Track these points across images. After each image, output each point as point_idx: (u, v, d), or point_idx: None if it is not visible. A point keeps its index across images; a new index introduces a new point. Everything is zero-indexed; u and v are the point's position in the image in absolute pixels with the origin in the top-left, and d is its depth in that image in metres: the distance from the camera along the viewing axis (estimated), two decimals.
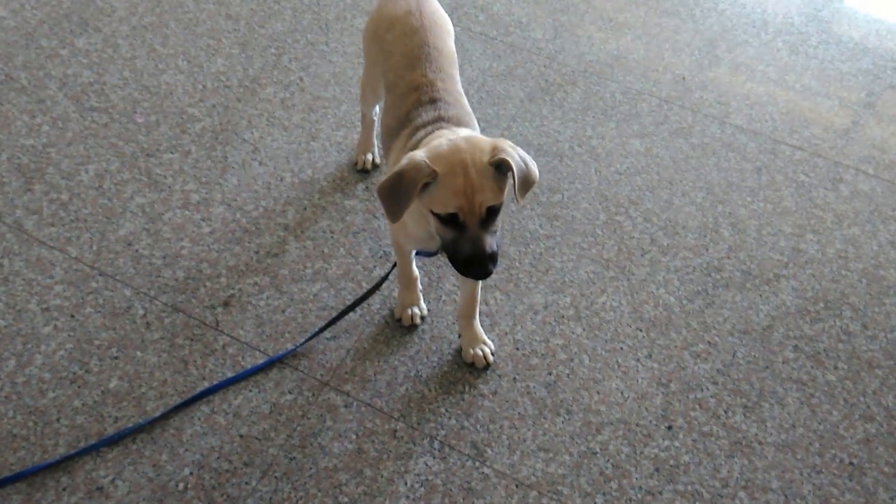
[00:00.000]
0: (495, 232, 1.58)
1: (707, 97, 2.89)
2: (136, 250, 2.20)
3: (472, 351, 2.02)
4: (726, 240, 2.38)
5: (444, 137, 1.59)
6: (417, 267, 2.08)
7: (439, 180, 1.51)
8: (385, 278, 2.07)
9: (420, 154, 1.54)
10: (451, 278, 2.20)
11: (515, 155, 1.54)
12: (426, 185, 1.54)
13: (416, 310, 2.08)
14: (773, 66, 3.07)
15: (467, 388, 1.97)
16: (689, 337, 2.13)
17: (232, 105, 2.65)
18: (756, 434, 1.94)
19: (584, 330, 2.12)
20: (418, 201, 1.60)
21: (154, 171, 2.42)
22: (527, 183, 1.56)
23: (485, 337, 2.04)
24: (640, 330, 2.13)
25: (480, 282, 1.96)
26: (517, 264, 2.25)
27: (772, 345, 2.13)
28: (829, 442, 1.95)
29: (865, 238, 2.44)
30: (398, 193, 1.53)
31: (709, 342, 2.12)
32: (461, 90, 1.90)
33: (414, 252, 1.99)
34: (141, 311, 2.06)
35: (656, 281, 2.25)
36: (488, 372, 2.01)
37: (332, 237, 2.28)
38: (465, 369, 2.01)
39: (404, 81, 1.84)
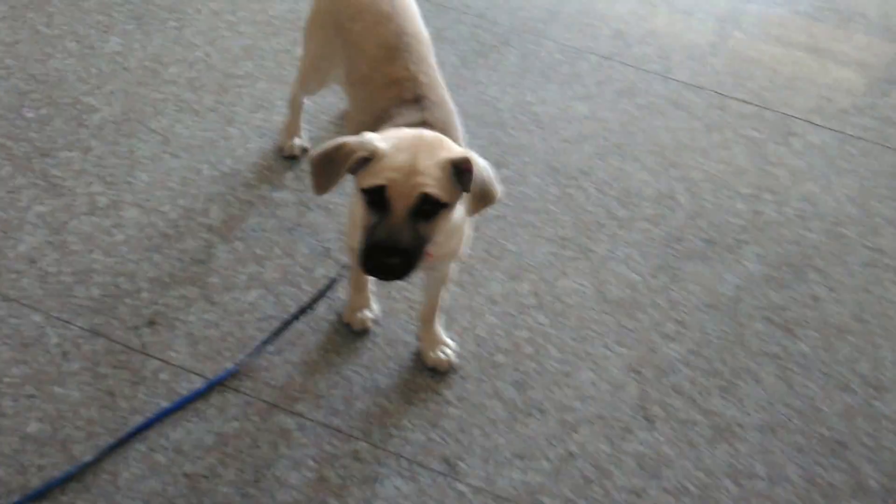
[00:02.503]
0: (423, 242, 1.37)
1: (648, 52, 2.74)
2: (41, 268, 1.90)
3: (432, 354, 1.85)
4: (683, 206, 2.27)
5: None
6: None
7: (380, 155, 1.34)
8: (333, 281, 1.86)
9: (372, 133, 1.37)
10: None
11: (480, 162, 1.36)
12: (365, 162, 1.35)
13: (367, 313, 1.89)
14: (710, 13, 2.95)
15: (431, 396, 1.80)
16: (657, 316, 2.02)
17: (133, 90, 2.33)
18: (735, 416, 1.85)
19: (548, 319, 1.98)
20: (355, 185, 1.41)
21: (51, 173, 2.10)
22: (484, 196, 1.37)
23: (445, 338, 1.87)
24: (607, 313, 2.01)
25: (444, 284, 1.78)
26: (470, 252, 2.07)
27: (741, 317, 2.05)
28: (809, 418, 1.88)
29: (822, 194, 2.38)
30: (331, 162, 1.35)
31: (677, 321, 2.02)
32: (441, 79, 1.70)
33: None
34: (55, 339, 1.79)
35: (617, 257, 2.13)
36: (451, 375, 1.84)
37: (264, 235, 2.04)
38: (427, 374, 1.84)
39: (381, 74, 1.63)
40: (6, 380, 1.71)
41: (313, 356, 1.83)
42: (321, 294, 1.85)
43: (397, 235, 1.32)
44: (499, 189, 1.41)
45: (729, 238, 2.22)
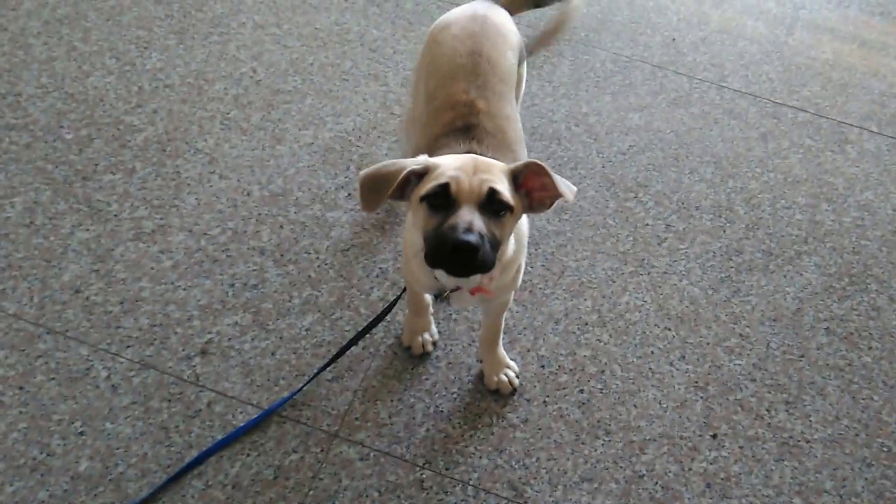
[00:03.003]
0: (495, 240, 1.29)
1: (700, 60, 2.69)
2: (87, 297, 1.87)
3: (495, 377, 1.81)
4: (742, 218, 2.22)
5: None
6: None
7: (433, 167, 1.29)
8: (393, 305, 1.82)
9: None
10: None
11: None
12: (419, 180, 1.31)
13: (427, 336, 1.85)
14: (762, 19, 2.89)
15: (495, 420, 1.76)
16: (719, 331, 1.96)
17: (176, 108, 2.29)
18: (802, 432, 1.81)
19: (610, 336, 1.93)
20: (410, 209, 1.35)
21: (94, 197, 2.07)
22: (571, 192, 1.31)
23: (508, 360, 1.84)
24: (669, 329, 1.95)
25: (505, 306, 1.73)
26: (529, 269, 2.03)
27: (804, 329, 1.99)
28: (874, 430, 1.84)
29: (879, 202, 2.32)
30: (381, 178, 1.29)
31: (740, 335, 1.96)
32: (514, 114, 1.61)
33: None
34: (104, 373, 1.75)
35: (678, 272, 2.07)
36: (515, 397, 1.80)
37: (318, 258, 2.00)
38: (490, 398, 1.80)
39: (443, 93, 1.56)
40: (55, 417, 1.68)
41: (373, 383, 1.79)
42: (379, 318, 1.81)
43: (468, 219, 1.23)
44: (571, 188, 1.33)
45: (789, 249, 2.17)
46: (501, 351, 1.83)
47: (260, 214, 2.07)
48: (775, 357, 1.95)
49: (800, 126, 2.51)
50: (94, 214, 2.04)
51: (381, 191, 1.27)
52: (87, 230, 2.00)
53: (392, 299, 1.89)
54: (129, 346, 1.80)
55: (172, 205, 2.07)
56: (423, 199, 1.29)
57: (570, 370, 1.87)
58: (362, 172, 1.31)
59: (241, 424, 1.70)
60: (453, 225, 1.22)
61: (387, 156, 2.22)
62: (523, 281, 1.98)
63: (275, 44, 2.52)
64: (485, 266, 1.25)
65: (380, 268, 1.98)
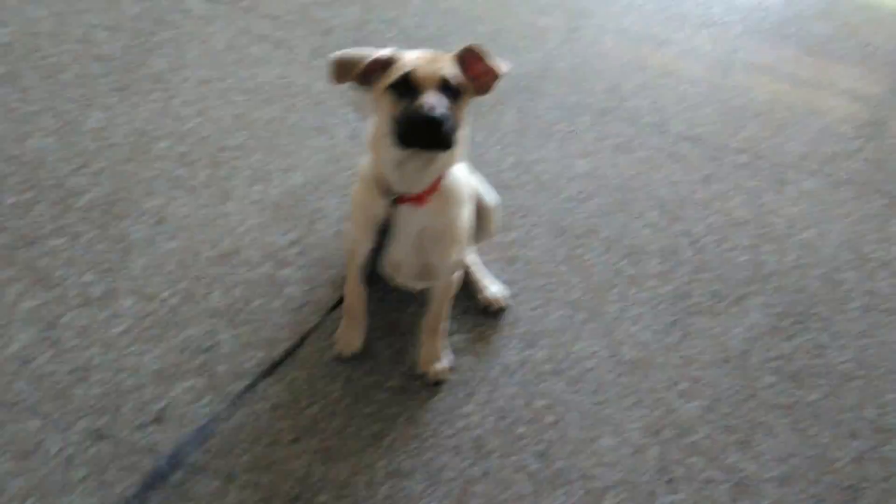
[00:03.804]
0: (455, 123, 1.54)
1: (642, 104, 2.89)
2: (36, 368, 1.92)
3: (428, 366, 2.03)
4: (689, 261, 2.39)
5: None
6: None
7: (397, 58, 1.56)
8: (332, 309, 1.97)
9: None
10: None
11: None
12: (385, 68, 1.55)
13: (351, 344, 2.06)
14: (700, 62, 3.13)
15: (456, 475, 1.86)
16: (672, 374, 2.12)
17: (121, 168, 2.37)
18: (755, 471, 1.96)
19: (566, 385, 2.06)
20: (376, 100, 1.59)
21: (39, 263, 2.12)
22: (491, 68, 1.59)
23: (445, 353, 2.06)
24: (623, 375, 2.10)
25: (449, 291, 1.95)
26: (483, 319, 2.15)
27: (752, 370, 2.16)
28: (823, 467, 2.00)
29: (819, 241, 2.53)
30: (351, 59, 1.54)
31: (692, 378, 2.12)
32: None
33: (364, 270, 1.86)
34: (57, 445, 1.80)
35: (629, 317, 2.23)
36: (475, 452, 1.91)
37: (271, 317, 2.09)
38: (450, 452, 1.90)
39: None
40: (6, 494, 1.72)
41: (332, 443, 1.88)
42: (301, 340, 1.94)
43: (433, 100, 1.48)
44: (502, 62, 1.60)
45: (735, 291, 2.35)
46: (442, 342, 2.03)
47: (210, 275, 2.16)
48: (726, 398, 2.10)
49: (741, 168, 2.72)
50: (40, 281, 2.09)
51: (351, 69, 1.53)
52: (34, 297, 2.06)
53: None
54: (81, 417, 1.85)
55: (120, 268, 2.14)
56: (389, 87, 1.53)
57: (528, 420, 1.99)
58: (334, 53, 1.55)
59: (202, 494, 1.77)
60: (420, 104, 1.48)
61: (337, 211, 2.35)
62: (476, 331, 2.12)
63: (219, 99, 2.63)
64: (449, 140, 1.52)
65: (334, 326, 2.09)
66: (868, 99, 3.14)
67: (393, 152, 1.57)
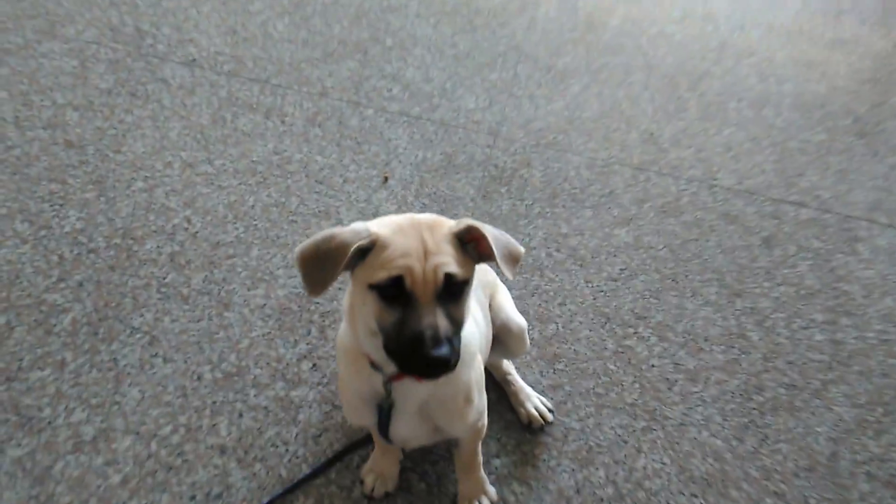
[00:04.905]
0: (458, 326, 1.34)
1: (684, 155, 2.77)
2: None
3: (469, 502, 1.90)
4: (757, 346, 2.26)
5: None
6: None
7: (381, 244, 1.31)
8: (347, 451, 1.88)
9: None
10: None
11: (487, 226, 1.37)
12: (363, 254, 1.32)
13: (382, 480, 1.91)
14: (745, 100, 2.99)
15: None
16: (752, 492, 1.98)
17: (104, 278, 2.25)
18: None
19: None
20: (353, 283, 1.37)
21: (23, 402, 2.00)
22: (512, 255, 1.38)
23: (488, 486, 1.91)
24: (696, 496, 1.96)
25: (476, 437, 1.79)
26: (528, 436, 2.02)
27: (842, 478, 2.02)
28: None
29: None
30: (324, 257, 1.30)
31: (775, 493, 1.98)
32: None
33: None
34: None
35: (696, 421, 2.09)
36: None
37: (288, 450, 1.96)
38: None
39: None
40: None
41: None
42: (338, 457, 1.86)
43: (435, 322, 1.27)
44: (516, 243, 1.41)
45: (813, 379, 2.22)
46: (481, 475, 1.89)
47: (215, 403, 2.03)
48: None
49: (804, 225, 2.59)
50: (24, 424, 1.96)
51: (327, 271, 1.29)
52: (20, 445, 1.93)
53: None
54: None
55: (113, 402, 2.01)
56: (373, 287, 1.31)
57: None
58: (298, 250, 1.32)
59: None
60: (418, 334, 1.26)
61: None
62: (521, 451, 1.99)
63: (208, 185, 2.51)
64: (455, 366, 1.29)
65: (360, 455, 1.95)
66: None
67: (383, 356, 1.37)
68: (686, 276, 2.41)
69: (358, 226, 1.31)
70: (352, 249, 1.27)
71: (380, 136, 2.63)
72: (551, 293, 2.33)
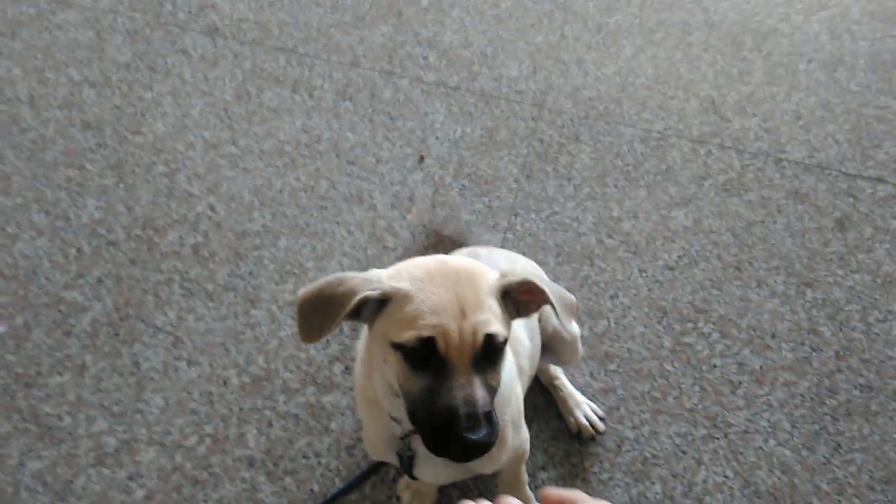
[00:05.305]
0: (494, 389, 1.18)
1: (749, 125, 2.53)
2: None
3: None
4: (829, 342, 2.07)
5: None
6: None
7: (402, 297, 1.14)
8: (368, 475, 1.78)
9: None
10: None
11: (542, 279, 1.23)
12: (380, 305, 1.16)
13: (419, 498, 1.79)
14: (815, 61, 2.72)
15: None
16: None
17: (125, 273, 2.14)
18: None
19: None
20: (371, 336, 1.21)
21: (42, 409, 1.92)
22: (569, 307, 1.24)
23: (529, 493, 1.79)
24: None
25: (520, 458, 1.64)
26: (577, 446, 1.87)
27: None
28: None
29: None
30: (326, 303, 1.14)
31: None
32: None
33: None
34: None
35: (761, 429, 1.92)
36: None
37: (320, 463, 1.85)
38: None
39: None
40: None
41: None
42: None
43: (473, 395, 1.10)
44: (568, 293, 1.28)
45: (891, 380, 2.03)
46: (527, 493, 1.79)
47: (242, 410, 1.92)
48: None
49: (882, 203, 2.36)
50: (45, 434, 1.89)
51: (326, 320, 1.14)
52: (40, 457, 1.86)
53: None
54: None
55: (135, 409, 1.92)
56: (396, 347, 1.14)
57: None
58: (301, 291, 1.18)
59: None
60: (453, 409, 1.09)
61: None
62: (570, 463, 1.85)
63: (232, 167, 2.36)
64: (493, 446, 1.12)
65: (396, 468, 1.83)
66: None
67: (404, 416, 1.22)
68: (751, 263, 2.21)
69: (372, 274, 1.15)
70: (356, 300, 1.10)
71: (415, 109, 2.44)
72: (602, 285, 2.15)
